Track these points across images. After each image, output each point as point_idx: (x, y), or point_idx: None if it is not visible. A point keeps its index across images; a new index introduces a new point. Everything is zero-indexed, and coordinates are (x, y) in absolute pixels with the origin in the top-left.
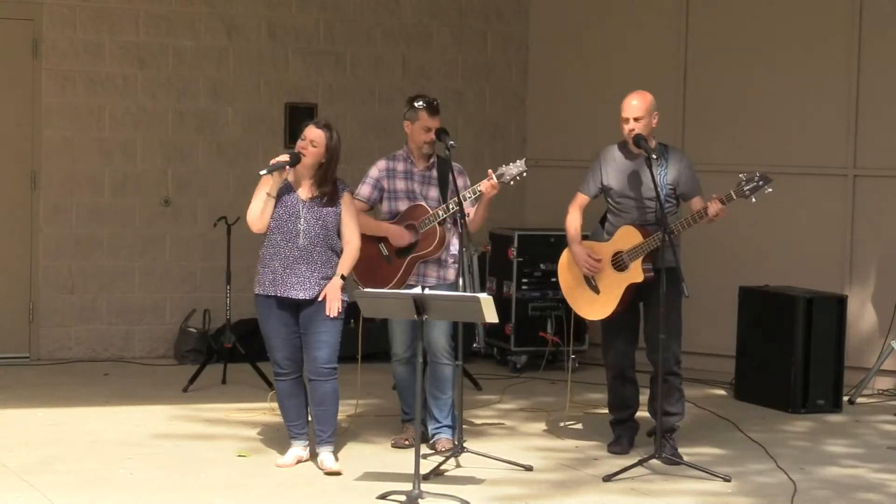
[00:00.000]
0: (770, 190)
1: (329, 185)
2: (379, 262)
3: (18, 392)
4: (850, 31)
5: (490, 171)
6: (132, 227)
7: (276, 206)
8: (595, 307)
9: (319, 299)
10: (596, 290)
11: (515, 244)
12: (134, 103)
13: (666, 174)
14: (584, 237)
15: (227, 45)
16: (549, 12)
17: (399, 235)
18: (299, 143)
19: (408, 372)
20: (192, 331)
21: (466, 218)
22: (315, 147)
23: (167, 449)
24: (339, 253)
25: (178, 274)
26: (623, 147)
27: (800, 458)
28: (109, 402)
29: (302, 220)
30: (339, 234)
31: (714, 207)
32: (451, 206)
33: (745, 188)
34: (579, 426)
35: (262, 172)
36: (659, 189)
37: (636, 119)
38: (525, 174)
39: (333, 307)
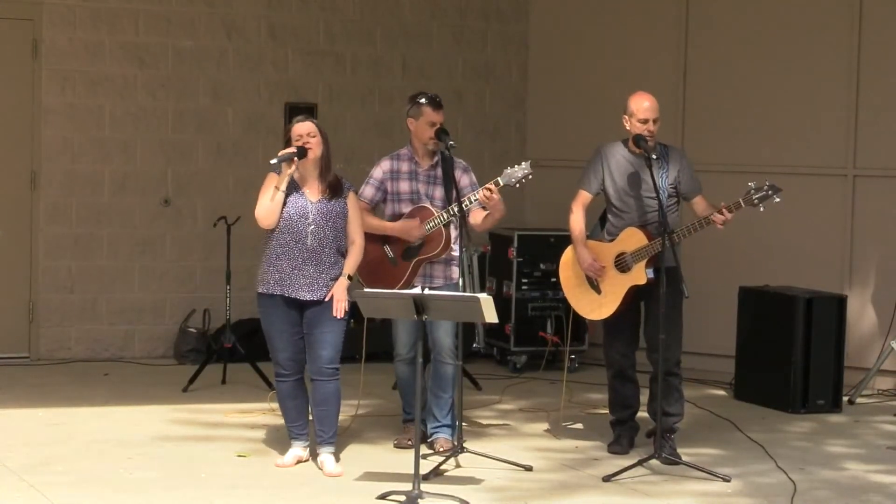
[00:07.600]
0: (778, 199)
1: (331, 174)
2: (384, 265)
3: (18, 392)
4: (850, 32)
5: (482, 189)
6: (132, 227)
7: (285, 207)
8: (596, 307)
9: (327, 299)
10: (598, 290)
11: (515, 244)
12: (134, 103)
13: (667, 175)
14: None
15: (227, 45)
16: (549, 12)
17: (408, 230)
18: (295, 142)
19: (410, 371)
20: (191, 331)
21: (468, 219)
22: (314, 137)
23: (167, 449)
24: (345, 254)
25: (178, 274)
26: (627, 145)
27: (800, 458)
28: (109, 402)
29: (311, 221)
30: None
31: (720, 218)
32: (454, 210)
33: (755, 197)
34: (579, 426)
35: (272, 162)
36: (659, 190)
37: (655, 120)
38: (530, 176)
39: (340, 308)
